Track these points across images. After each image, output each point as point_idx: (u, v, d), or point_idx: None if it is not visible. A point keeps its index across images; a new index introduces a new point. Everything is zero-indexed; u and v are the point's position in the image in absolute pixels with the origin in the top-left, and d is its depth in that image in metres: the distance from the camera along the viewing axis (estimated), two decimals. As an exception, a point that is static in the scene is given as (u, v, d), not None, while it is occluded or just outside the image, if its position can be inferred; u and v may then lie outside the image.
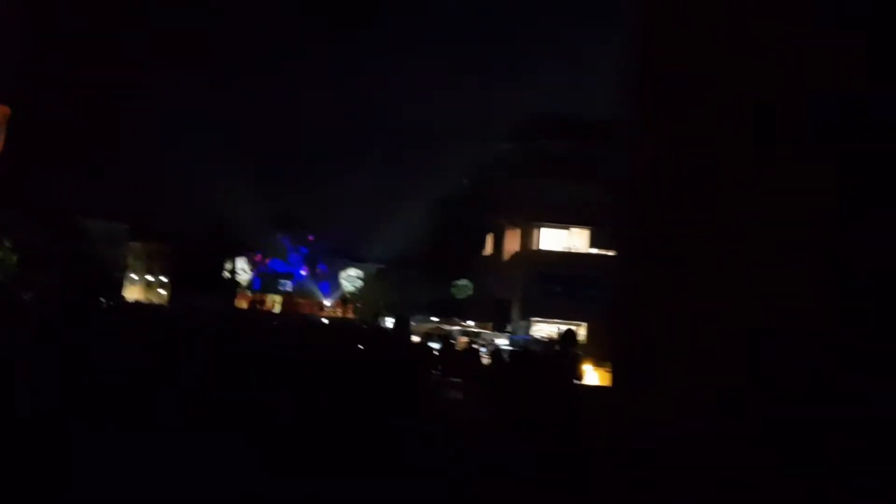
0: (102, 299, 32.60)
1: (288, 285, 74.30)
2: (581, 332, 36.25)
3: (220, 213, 67.63)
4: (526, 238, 37.97)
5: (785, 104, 7.82)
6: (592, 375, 26.64)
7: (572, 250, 37.40)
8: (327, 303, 71.64)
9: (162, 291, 76.84)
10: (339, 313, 66.27)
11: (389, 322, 48.02)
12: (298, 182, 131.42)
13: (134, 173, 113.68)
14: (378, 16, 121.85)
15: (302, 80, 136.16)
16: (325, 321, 45.49)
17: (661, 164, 9.99)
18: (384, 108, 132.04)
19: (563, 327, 33.59)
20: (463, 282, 44.94)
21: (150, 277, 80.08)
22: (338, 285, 76.29)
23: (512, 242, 40.30)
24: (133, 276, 78.03)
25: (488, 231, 44.81)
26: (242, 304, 65.04)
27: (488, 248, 44.99)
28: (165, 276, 79.62)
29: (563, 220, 36.82)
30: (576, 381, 20.07)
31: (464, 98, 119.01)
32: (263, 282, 74.09)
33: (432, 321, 40.16)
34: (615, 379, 21.65)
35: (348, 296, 74.57)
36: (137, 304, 46.35)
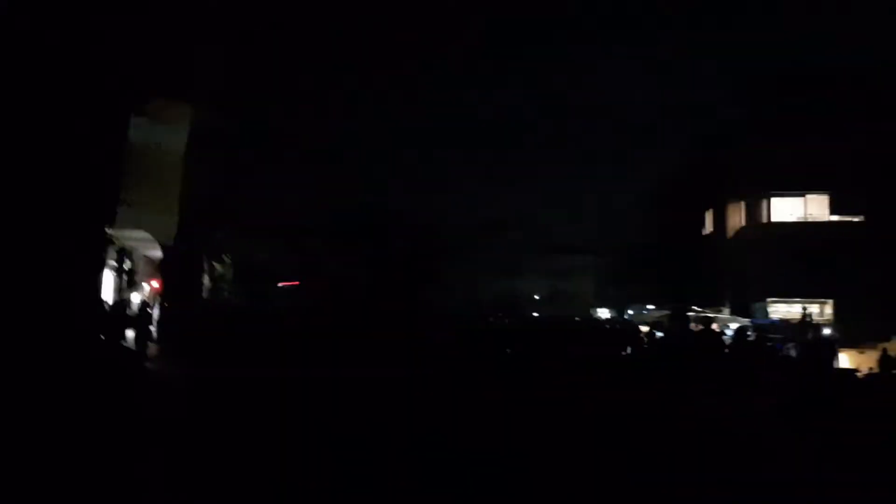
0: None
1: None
2: (827, 310, 32.00)
3: (428, 220, 68.47)
4: (753, 210, 34.04)
5: None
6: (845, 359, 22.90)
7: (810, 220, 33.05)
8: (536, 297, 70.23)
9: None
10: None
11: (603, 314, 45.57)
12: (498, 179, 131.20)
13: (347, 186, 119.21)
14: None
15: (501, 77, 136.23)
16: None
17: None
18: (585, 88, 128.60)
19: (809, 307, 29.85)
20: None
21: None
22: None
23: (736, 217, 36.40)
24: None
25: (707, 208, 40.94)
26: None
27: (708, 226, 41.11)
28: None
29: (796, 186, 32.59)
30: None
31: (669, 66, 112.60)
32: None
33: (652, 309, 37.40)
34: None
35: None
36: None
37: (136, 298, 23.98)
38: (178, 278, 19.12)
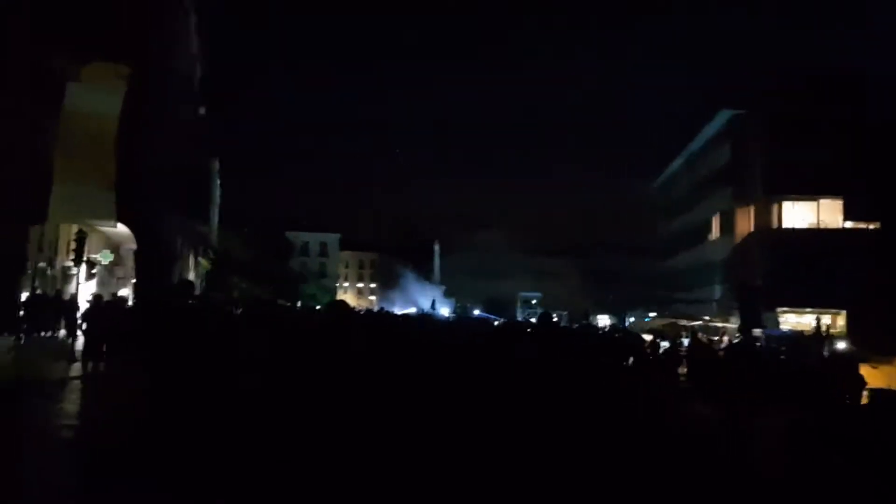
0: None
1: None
2: (839, 321, 30.45)
3: (415, 219, 67.49)
4: (763, 215, 32.52)
5: None
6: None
7: (822, 226, 31.55)
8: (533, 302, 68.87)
9: (372, 297, 78.01)
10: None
11: (602, 321, 44.15)
12: (491, 181, 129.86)
13: (342, 187, 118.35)
14: None
15: (479, 76, 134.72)
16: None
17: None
18: (579, 90, 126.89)
19: (824, 318, 28.29)
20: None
21: (360, 284, 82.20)
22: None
23: (744, 222, 34.87)
24: (345, 283, 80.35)
25: (713, 212, 39.42)
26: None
27: (715, 232, 39.58)
28: (374, 282, 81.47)
29: (808, 190, 31.08)
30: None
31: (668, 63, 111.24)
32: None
33: (654, 316, 35.95)
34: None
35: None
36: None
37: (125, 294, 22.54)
38: (147, 272, 17.61)
